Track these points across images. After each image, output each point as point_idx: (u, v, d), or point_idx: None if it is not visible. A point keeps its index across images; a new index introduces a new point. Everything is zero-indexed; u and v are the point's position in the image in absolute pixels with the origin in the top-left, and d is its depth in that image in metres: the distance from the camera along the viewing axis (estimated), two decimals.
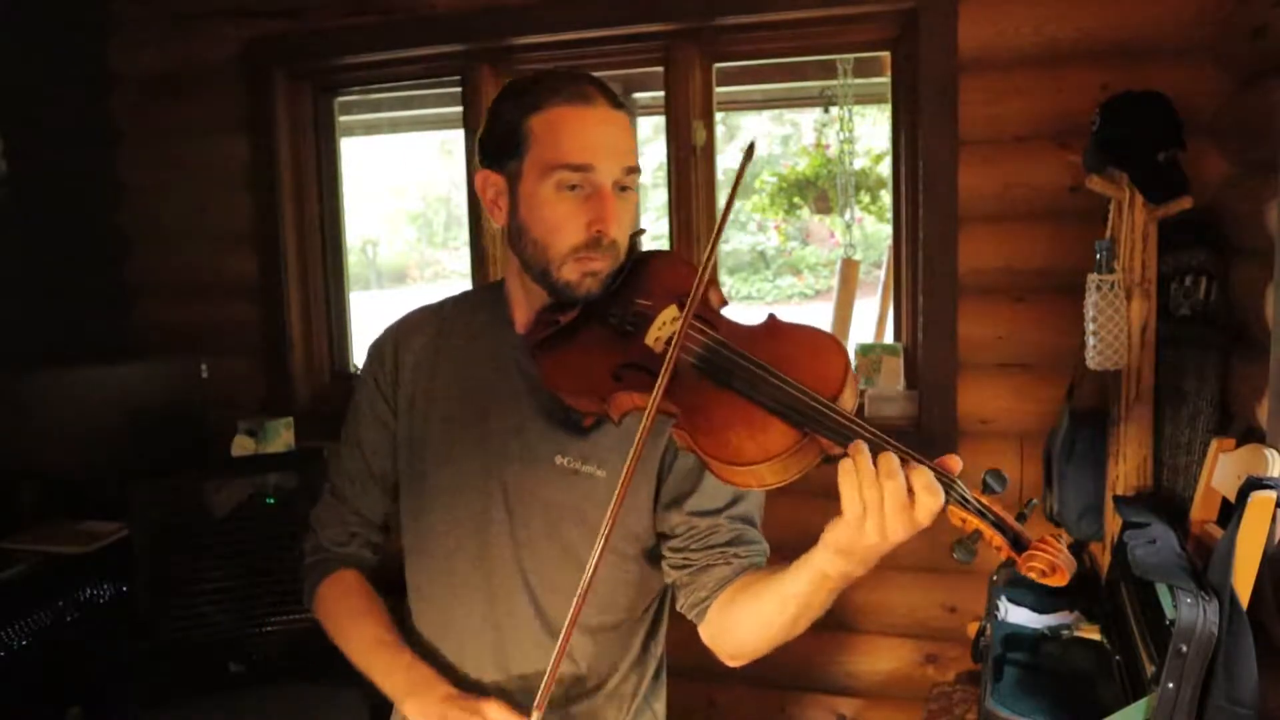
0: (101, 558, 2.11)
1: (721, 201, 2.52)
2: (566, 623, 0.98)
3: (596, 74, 1.16)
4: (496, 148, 1.14)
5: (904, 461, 0.88)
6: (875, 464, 0.88)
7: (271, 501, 2.17)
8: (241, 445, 2.41)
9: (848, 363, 0.97)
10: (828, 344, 1.00)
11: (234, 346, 2.74)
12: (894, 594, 2.33)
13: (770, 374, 0.96)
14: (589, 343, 1.10)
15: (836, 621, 2.39)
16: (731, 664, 1.14)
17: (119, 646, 2.08)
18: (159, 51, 2.75)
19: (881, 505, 0.87)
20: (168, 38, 2.74)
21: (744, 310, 1.11)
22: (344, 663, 1.23)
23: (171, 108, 2.75)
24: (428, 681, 1.15)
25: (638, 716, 1.29)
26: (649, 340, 1.06)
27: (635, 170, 1.13)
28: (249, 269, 2.74)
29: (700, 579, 1.14)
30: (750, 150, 1.09)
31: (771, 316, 1.06)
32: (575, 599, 0.98)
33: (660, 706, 1.34)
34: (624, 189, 1.12)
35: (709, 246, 1.06)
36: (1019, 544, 0.89)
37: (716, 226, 1.05)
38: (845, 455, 0.90)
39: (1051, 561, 0.87)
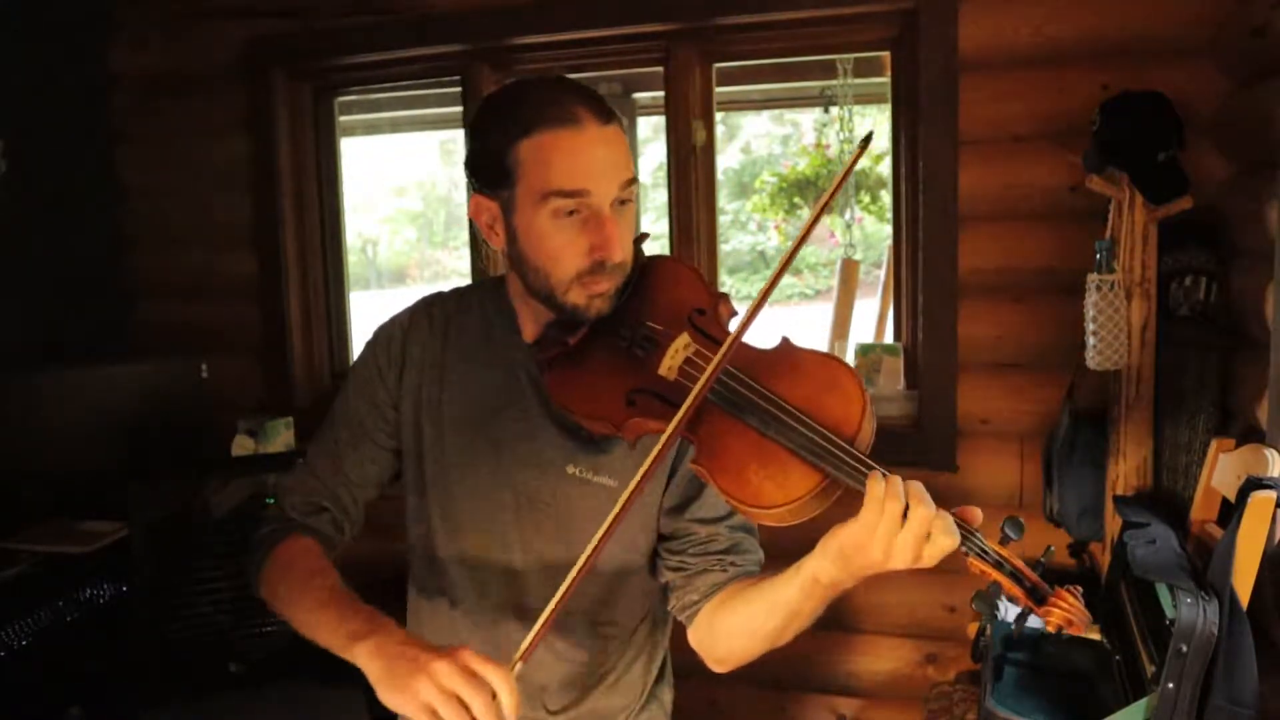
0: (101, 558, 2.11)
1: (722, 201, 2.51)
2: (553, 602, 0.93)
3: (595, 75, 1.15)
4: (486, 174, 1.10)
5: None
6: (905, 491, 0.88)
7: (271, 501, 2.15)
8: (241, 445, 2.41)
9: (865, 396, 0.96)
10: (844, 377, 0.98)
11: (234, 346, 2.74)
12: (894, 594, 2.33)
13: (790, 414, 0.95)
14: (599, 365, 1.08)
15: (836, 621, 2.38)
16: (717, 669, 1.15)
17: (119, 646, 2.08)
18: (159, 51, 2.75)
19: (896, 524, 0.88)
20: (168, 38, 2.74)
21: (743, 310, 1.10)
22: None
23: (171, 108, 2.75)
24: (384, 625, 1.01)
25: (646, 706, 1.30)
26: (662, 370, 1.04)
27: (633, 181, 1.08)
28: (249, 269, 2.74)
29: (694, 583, 1.15)
30: (868, 139, 1.04)
31: (785, 341, 1.05)
32: (562, 589, 0.94)
33: (667, 696, 1.35)
34: (623, 203, 1.08)
35: (766, 286, 1.00)
36: (1037, 595, 0.90)
37: (793, 245, 1.02)
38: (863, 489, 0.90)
39: (1068, 617, 0.88)
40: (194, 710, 1.98)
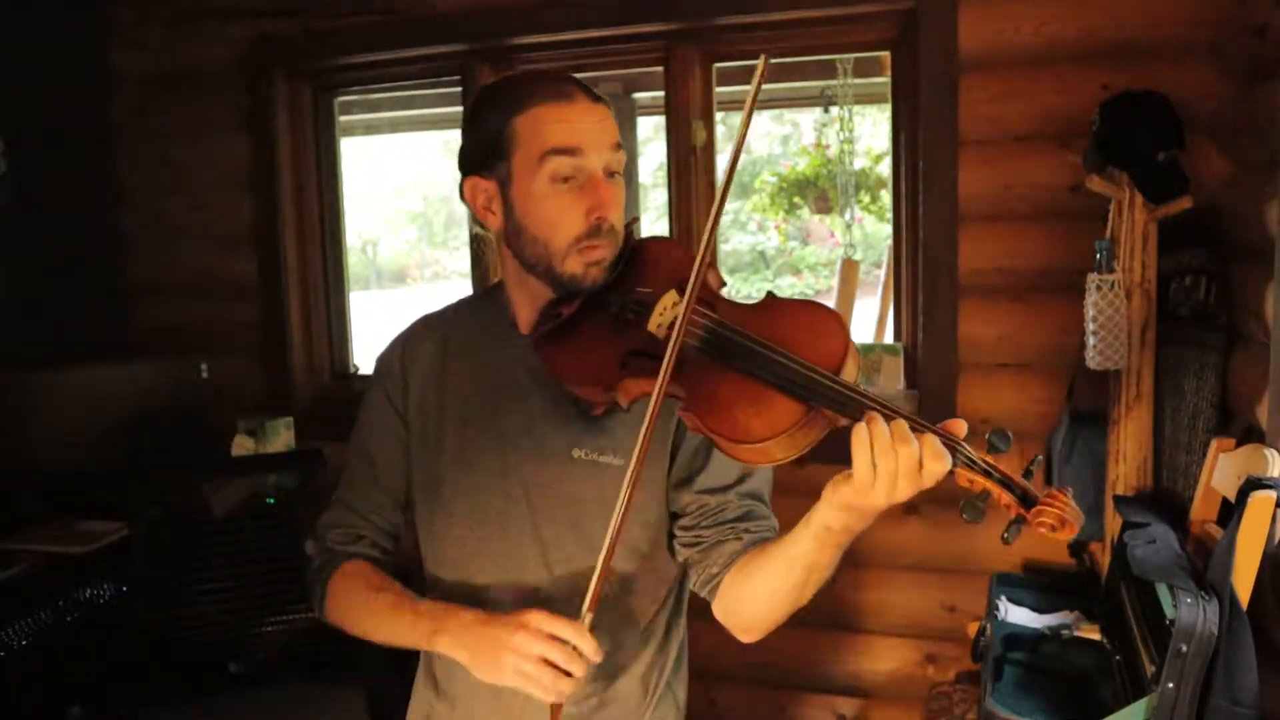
0: (101, 558, 2.11)
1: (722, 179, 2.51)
2: (606, 544, 0.99)
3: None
4: (482, 153, 1.14)
5: (913, 428, 0.90)
6: (889, 431, 0.89)
7: (271, 501, 2.16)
8: (241, 445, 2.41)
9: (848, 335, 0.98)
10: (827, 318, 1.01)
11: (234, 346, 2.74)
12: (894, 594, 2.33)
13: (772, 351, 0.97)
14: (592, 333, 1.11)
15: (836, 621, 2.39)
16: (745, 638, 1.15)
17: (119, 646, 2.08)
18: (159, 51, 2.75)
19: (893, 470, 0.89)
20: (168, 38, 2.74)
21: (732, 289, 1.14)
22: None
23: (171, 108, 2.75)
24: (454, 611, 1.11)
25: (661, 702, 1.30)
26: (651, 327, 1.07)
27: (620, 146, 1.14)
28: (249, 269, 2.74)
29: (711, 555, 1.16)
30: (765, 61, 1.00)
31: (770, 295, 1.08)
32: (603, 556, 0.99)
33: (682, 692, 1.35)
34: (613, 174, 1.13)
35: (710, 223, 1.05)
36: (1027, 500, 0.91)
37: (719, 196, 1.05)
38: (850, 425, 0.92)
39: (1060, 515, 0.88)
40: (194, 710, 1.98)
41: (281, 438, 2.45)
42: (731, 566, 1.13)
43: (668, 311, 1.07)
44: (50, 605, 2.01)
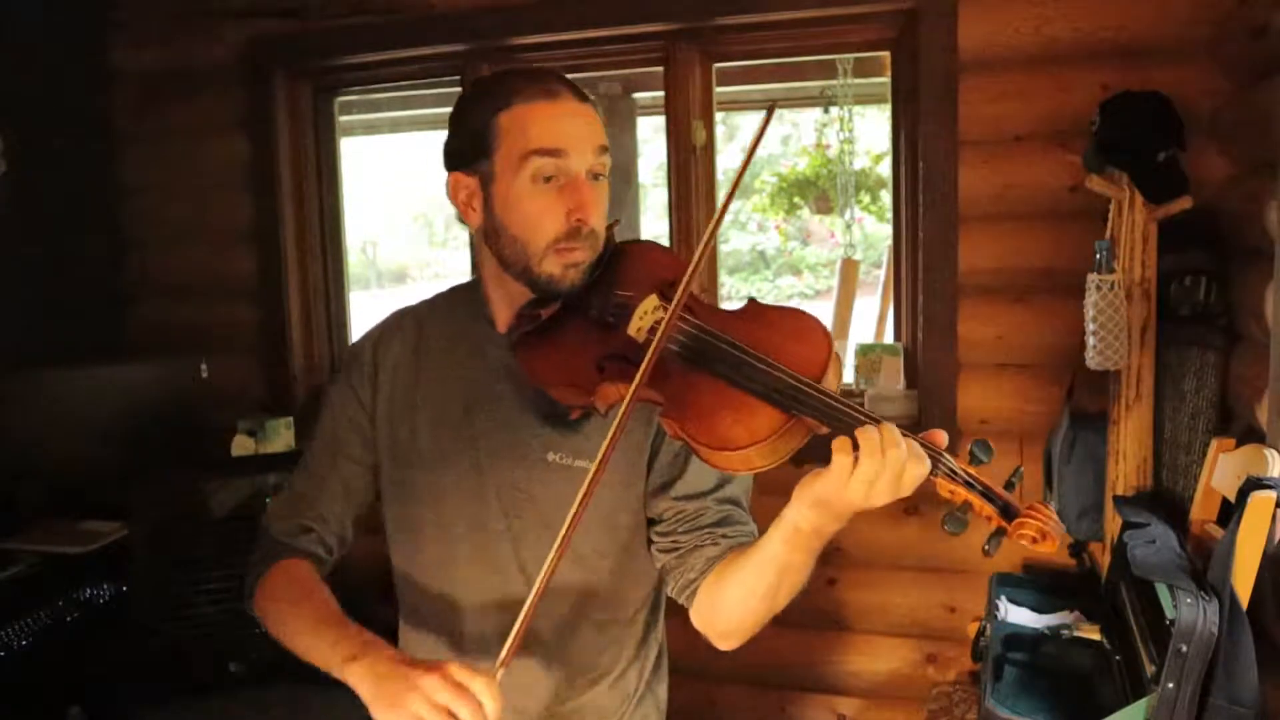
0: (101, 558, 2.11)
1: (721, 198, 2.51)
2: (534, 591, 0.95)
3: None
4: (465, 149, 1.13)
5: None
6: (879, 435, 0.88)
7: (271, 502, 2.16)
8: (241, 445, 2.41)
9: (830, 342, 0.98)
10: (809, 325, 1.00)
11: (234, 346, 2.74)
12: (894, 594, 2.33)
13: (754, 358, 0.96)
14: (571, 336, 1.10)
15: (836, 621, 2.39)
16: (723, 645, 1.13)
17: (119, 646, 2.08)
18: (159, 51, 2.75)
19: (877, 471, 0.87)
20: (168, 38, 2.74)
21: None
22: None
23: (171, 108, 2.75)
24: (376, 644, 1.04)
25: (641, 703, 1.30)
26: (631, 331, 1.06)
27: (606, 149, 1.13)
28: (249, 269, 2.74)
29: (688, 561, 1.15)
30: (771, 109, 1.06)
31: (751, 300, 1.07)
32: (541, 576, 0.96)
33: (662, 690, 1.35)
34: (597, 176, 1.12)
35: (709, 230, 1.05)
36: (1008, 512, 0.90)
37: (722, 205, 1.04)
38: (830, 433, 0.91)
39: (1041, 528, 0.88)
40: (194, 710, 1.98)
41: (281, 438, 2.45)
42: (709, 573, 1.12)
43: (648, 316, 1.06)
44: (50, 605, 2.01)
